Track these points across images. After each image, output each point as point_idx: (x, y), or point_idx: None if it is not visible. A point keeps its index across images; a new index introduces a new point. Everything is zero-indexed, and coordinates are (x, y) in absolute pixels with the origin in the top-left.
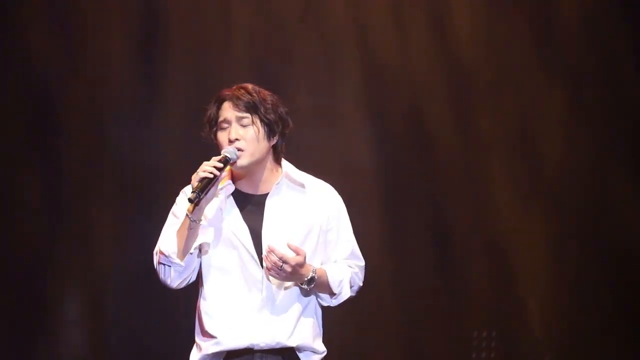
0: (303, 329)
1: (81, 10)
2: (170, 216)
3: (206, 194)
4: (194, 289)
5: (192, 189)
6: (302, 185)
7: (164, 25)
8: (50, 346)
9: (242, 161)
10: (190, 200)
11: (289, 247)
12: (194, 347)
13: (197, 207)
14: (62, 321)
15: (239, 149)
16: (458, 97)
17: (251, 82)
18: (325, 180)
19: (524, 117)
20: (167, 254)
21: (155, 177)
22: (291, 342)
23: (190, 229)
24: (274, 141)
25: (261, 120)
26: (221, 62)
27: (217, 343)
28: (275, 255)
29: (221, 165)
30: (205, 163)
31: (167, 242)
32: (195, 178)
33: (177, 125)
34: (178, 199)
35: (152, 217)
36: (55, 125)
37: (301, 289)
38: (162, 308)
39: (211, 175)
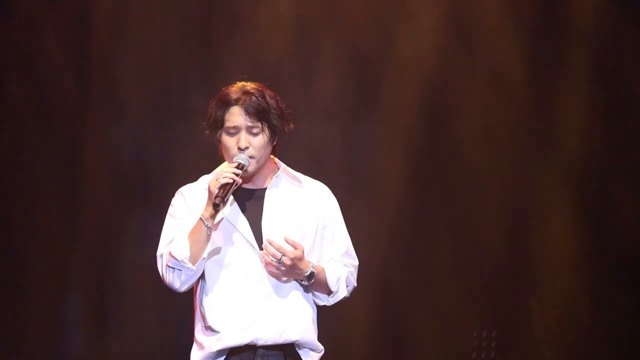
0: (304, 323)
1: (85, 11)
2: (168, 218)
3: (227, 200)
4: (192, 288)
5: (216, 195)
6: (299, 181)
7: (164, 25)
8: (51, 346)
9: (251, 168)
10: (215, 205)
11: (287, 241)
12: (194, 346)
13: (215, 214)
14: (63, 321)
15: (250, 157)
16: (474, 88)
17: (253, 80)
18: (329, 176)
19: (543, 108)
20: (179, 258)
21: (157, 178)
22: (292, 336)
23: (206, 234)
24: (275, 142)
25: (269, 127)
26: (222, 63)
27: (220, 339)
28: (273, 247)
29: (239, 171)
30: (224, 170)
31: (179, 246)
32: (215, 185)
33: (178, 125)
34: (174, 201)
35: (153, 217)
36: (56, 127)
37: (300, 284)
38: (162, 308)
39: (231, 181)
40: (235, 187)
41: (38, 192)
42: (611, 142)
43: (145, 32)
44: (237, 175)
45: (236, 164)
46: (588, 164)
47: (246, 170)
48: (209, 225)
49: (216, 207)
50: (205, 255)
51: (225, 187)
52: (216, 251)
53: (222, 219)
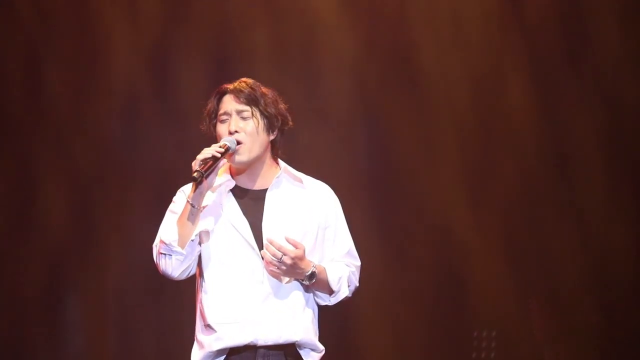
0: (304, 323)
1: (84, 12)
2: (167, 214)
3: (207, 176)
4: (193, 287)
5: (195, 169)
6: (300, 181)
7: (164, 26)
8: (52, 347)
9: (241, 157)
10: (194, 178)
11: (288, 240)
12: (195, 345)
13: (197, 192)
14: (64, 322)
15: (238, 142)
16: (476, 90)
17: (252, 78)
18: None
19: (545, 108)
20: (167, 242)
21: (157, 178)
22: (293, 337)
23: (192, 215)
24: (272, 136)
25: (261, 114)
26: (221, 62)
27: (218, 338)
28: (274, 246)
29: (222, 150)
30: (205, 148)
31: (167, 231)
32: (196, 163)
33: (179, 126)
34: (175, 198)
35: (154, 217)
36: (55, 126)
37: (301, 284)
38: (162, 308)
39: (210, 156)
40: (216, 166)
41: (37, 192)
42: (610, 142)
43: (149, 30)
44: (219, 153)
45: (220, 144)
46: (587, 162)
47: (233, 154)
48: (195, 204)
49: (194, 180)
50: (194, 237)
51: (205, 163)
52: (217, 251)
53: (221, 215)
